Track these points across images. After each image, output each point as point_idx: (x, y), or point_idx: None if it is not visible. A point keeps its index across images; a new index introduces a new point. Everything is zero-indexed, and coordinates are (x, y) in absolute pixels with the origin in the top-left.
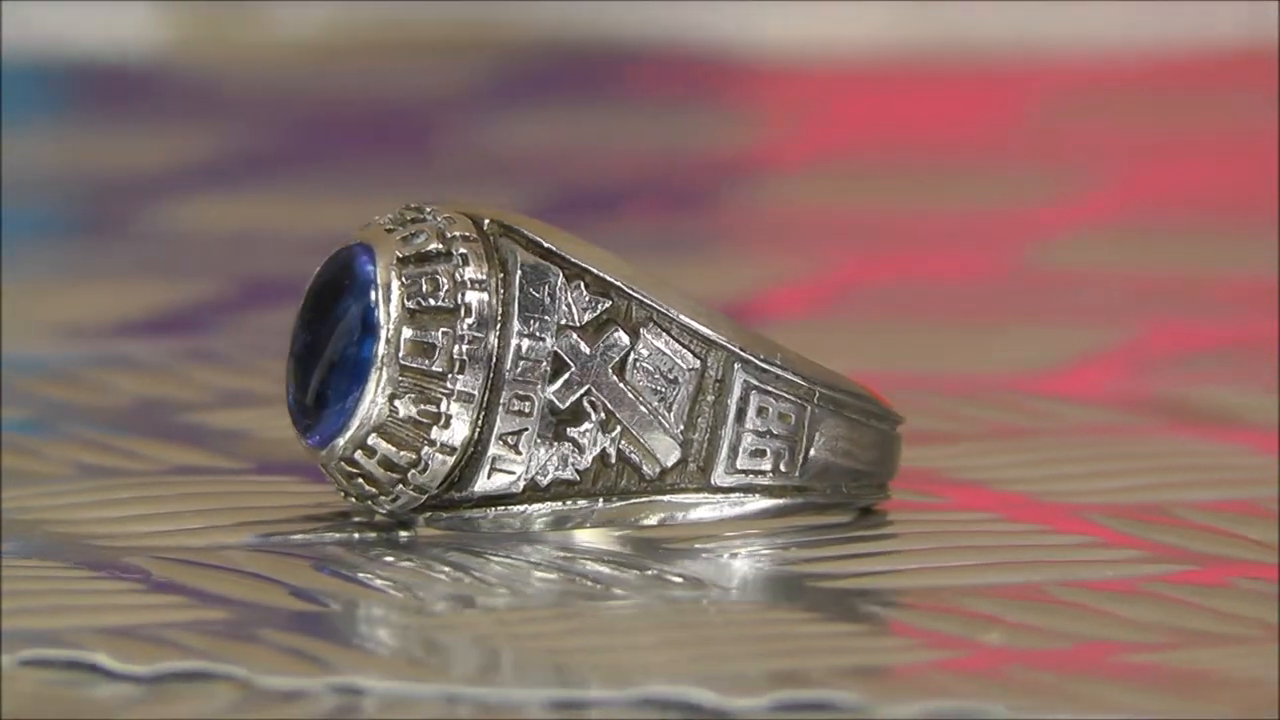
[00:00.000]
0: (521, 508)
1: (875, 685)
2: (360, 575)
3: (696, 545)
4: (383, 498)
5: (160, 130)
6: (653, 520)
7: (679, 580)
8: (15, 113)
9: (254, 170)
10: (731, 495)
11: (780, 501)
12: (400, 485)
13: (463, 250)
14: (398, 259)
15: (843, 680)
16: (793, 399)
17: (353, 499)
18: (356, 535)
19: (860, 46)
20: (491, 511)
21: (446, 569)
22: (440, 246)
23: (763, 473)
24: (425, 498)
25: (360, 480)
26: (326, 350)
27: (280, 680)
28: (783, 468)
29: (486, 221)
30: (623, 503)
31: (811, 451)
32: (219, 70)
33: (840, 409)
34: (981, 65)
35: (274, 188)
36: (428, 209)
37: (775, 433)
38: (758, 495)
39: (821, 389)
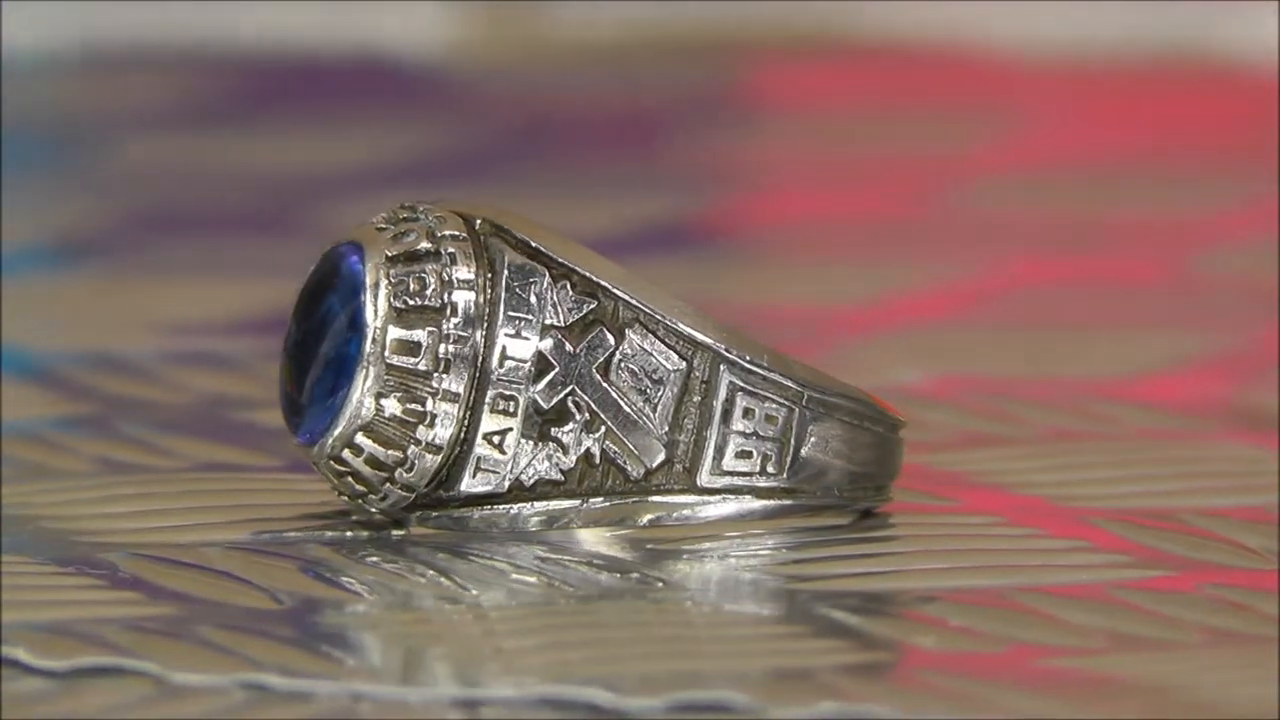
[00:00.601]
0: (507, 508)
1: (772, 688)
2: (331, 575)
3: (689, 547)
4: (373, 496)
5: (371, 127)
6: (641, 521)
7: (650, 583)
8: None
9: (453, 170)
10: (718, 497)
11: (769, 503)
12: (388, 484)
13: (451, 250)
14: (387, 258)
15: (741, 682)
16: (780, 401)
17: (345, 498)
18: (349, 534)
19: (1075, 47)
20: (478, 511)
21: (423, 569)
22: (429, 246)
23: (750, 474)
24: (414, 496)
25: (350, 479)
26: (316, 348)
27: (191, 677)
28: (770, 469)
29: (479, 221)
30: (609, 503)
31: (802, 454)
32: (487, 68)
33: (832, 412)
34: (1196, 70)
35: (463, 187)
36: (421, 208)
37: (762, 434)
38: (746, 497)
39: (811, 392)
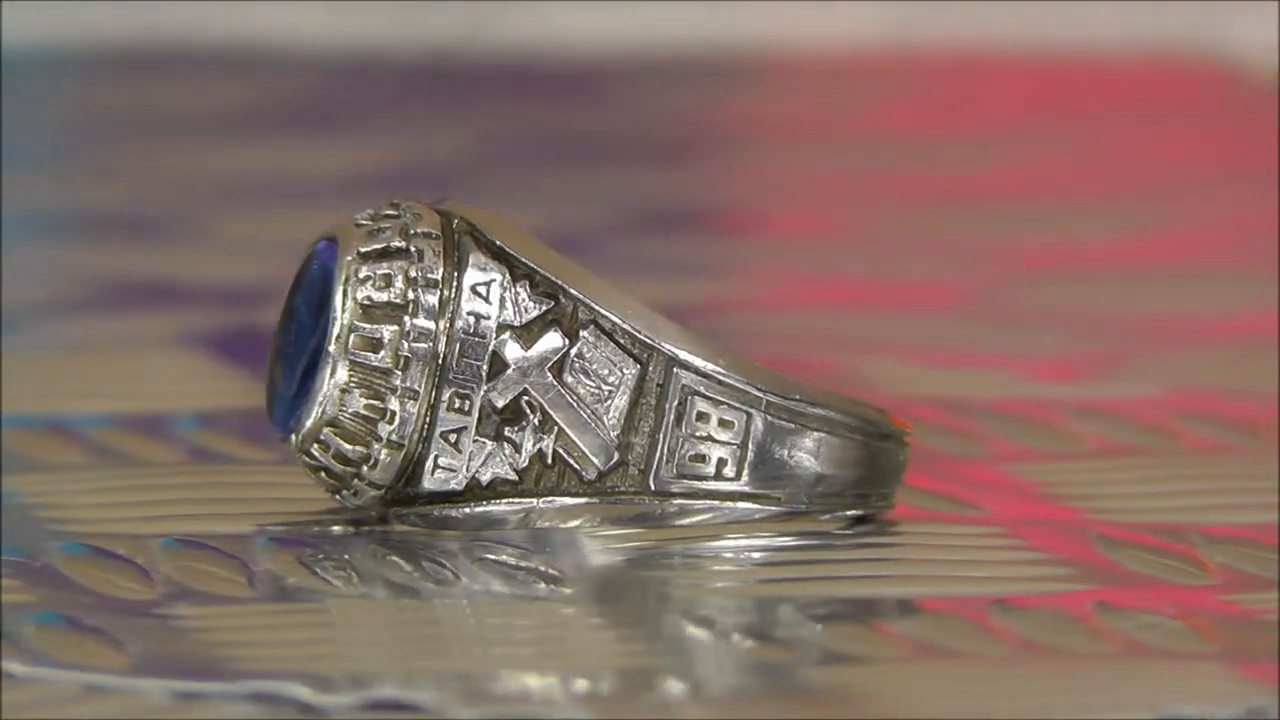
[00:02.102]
0: (466, 507)
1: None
2: (248, 569)
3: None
4: (346, 491)
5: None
6: (597, 522)
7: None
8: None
9: None
10: (672, 499)
11: (727, 505)
12: (356, 480)
13: (420, 247)
14: (358, 254)
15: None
16: (736, 405)
17: (328, 492)
18: (337, 529)
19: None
20: (437, 510)
21: (338, 568)
22: (401, 243)
23: (704, 478)
24: (382, 493)
25: (323, 474)
26: (292, 341)
27: None
28: (727, 474)
29: (456, 220)
30: (565, 504)
31: (763, 459)
32: None
33: (799, 419)
34: None
35: None
36: (404, 205)
37: (717, 438)
38: (700, 500)
39: (773, 398)
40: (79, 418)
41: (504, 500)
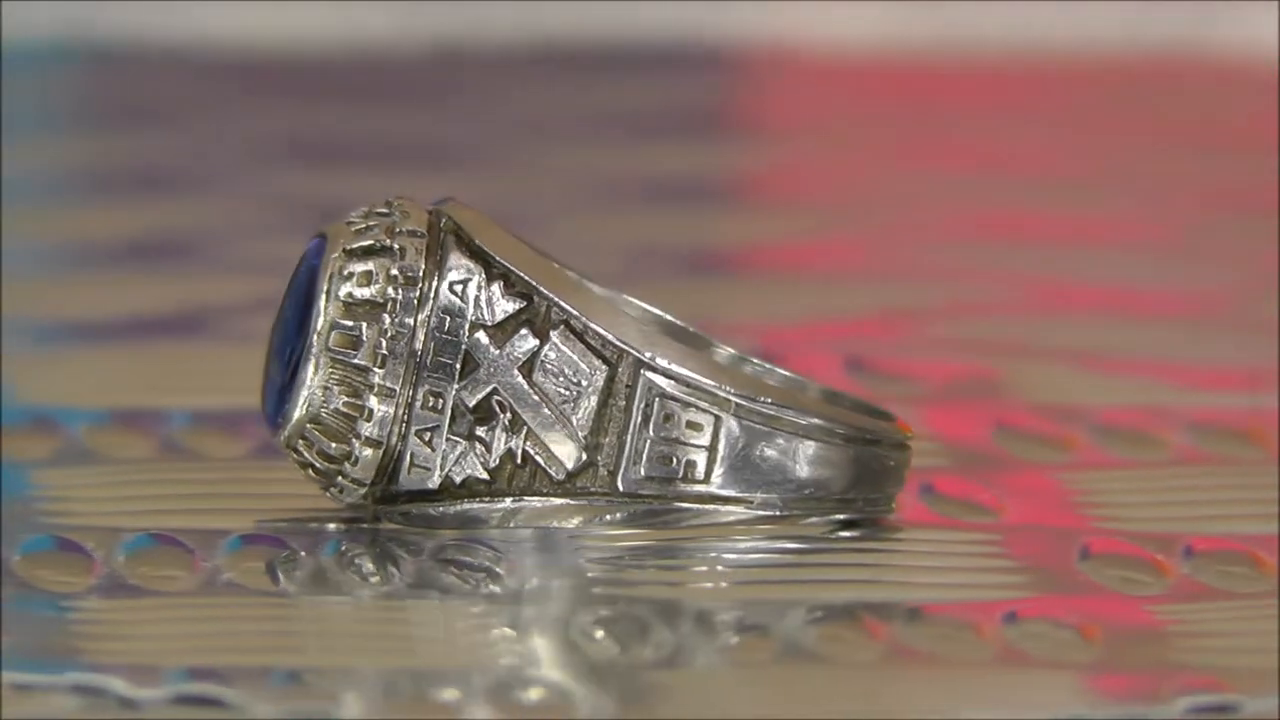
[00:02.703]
0: (444, 505)
1: (279, 687)
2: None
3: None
4: (334, 489)
5: None
6: (571, 523)
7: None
8: None
9: None
10: (639, 501)
11: (694, 507)
12: (340, 477)
13: (402, 246)
14: (343, 251)
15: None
16: (704, 407)
17: (320, 489)
18: (332, 526)
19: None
20: (416, 509)
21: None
22: (385, 242)
23: (671, 480)
24: (366, 490)
25: (311, 471)
26: (282, 337)
27: None
28: (695, 475)
29: (445, 219)
30: (537, 503)
31: (732, 461)
32: None
33: (769, 421)
34: None
35: None
36: (396, 204)
37: (684, 440)
38: (667, 502)
39: (741, 400)
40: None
41: (478, 500)
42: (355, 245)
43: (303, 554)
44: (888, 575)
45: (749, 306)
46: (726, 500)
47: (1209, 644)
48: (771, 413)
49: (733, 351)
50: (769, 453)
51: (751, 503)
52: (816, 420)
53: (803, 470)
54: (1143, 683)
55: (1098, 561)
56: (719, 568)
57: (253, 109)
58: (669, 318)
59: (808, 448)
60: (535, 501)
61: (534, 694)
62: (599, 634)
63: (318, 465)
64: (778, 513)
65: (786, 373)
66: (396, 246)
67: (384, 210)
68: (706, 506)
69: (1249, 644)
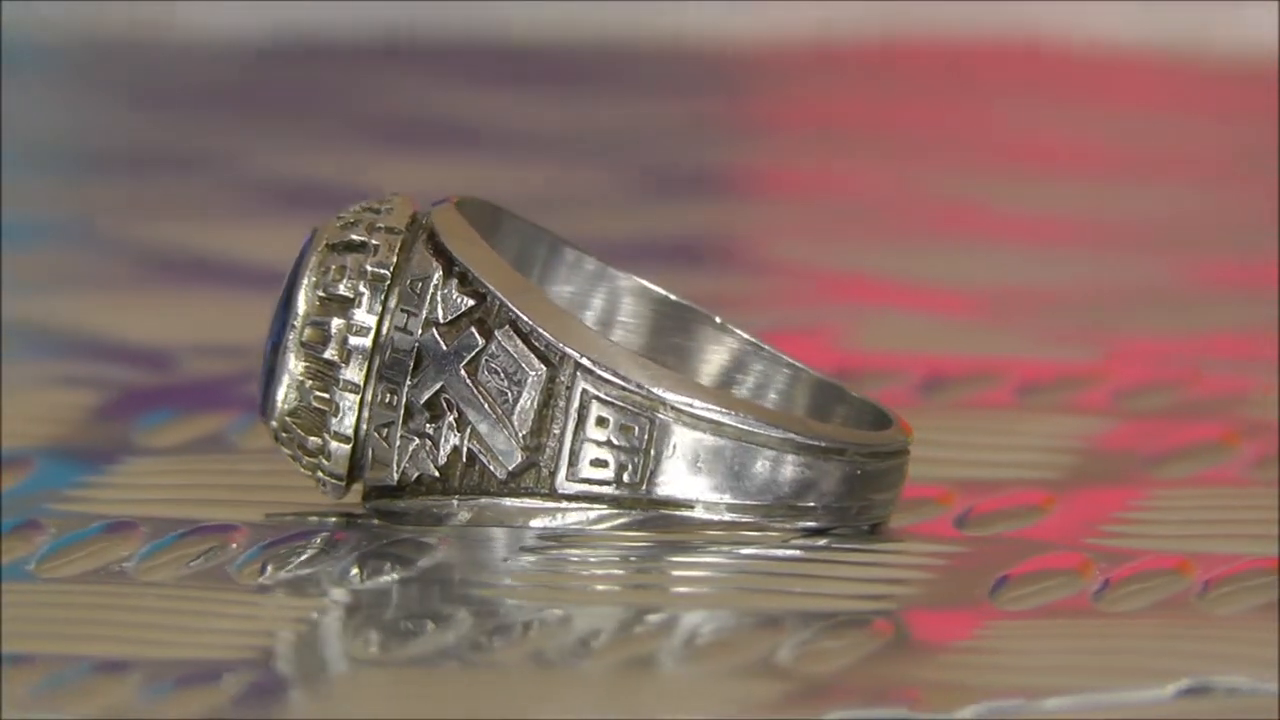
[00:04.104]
0: (404, 502)
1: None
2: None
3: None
4: (319, 483)
5: None
6: (517, 523)
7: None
8: None
9: None
10: (576, 504)
11: (632, 514)
12: (319, 471)
13: (376, 242)
14: (325, 246)
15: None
16: (635, 411)
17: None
18: (333, 519)
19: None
20: (384, 505)
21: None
22: (364, 237)
23: (605, 483)
24: (343, 485)
25: (298, 465)
26: (272, 331)
27: None
28: (626, 479)
29: (425, 217)
30: (485, 502)
31: (666, 466)
32: None
33: (708, 427)
34: None
35: None
36: (388, 199)
37: (616, 443)
38: (604, 506)
39: (677, 403)
40: None
41: (433, 496)
42: (337, 240)
43: (233, 546)
44: (782, 586)
45: None
46: (662, 504)
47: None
48: (711, 418)
49: (745, 337)
50: (708, 458)
51: (690, 506)
52: (759, 427)
53: (748, 477)
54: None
55: (1018, 588)
56: (598, 572)
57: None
58: (671, 296)
59: (753, 454)
60: (484, 501)
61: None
62: (373, 634)
63: (301, 459)
64: (721, 518)
65: (793, 364)
66: (373, 243)
67: (374, 206)
68: (646, 512)
69: None
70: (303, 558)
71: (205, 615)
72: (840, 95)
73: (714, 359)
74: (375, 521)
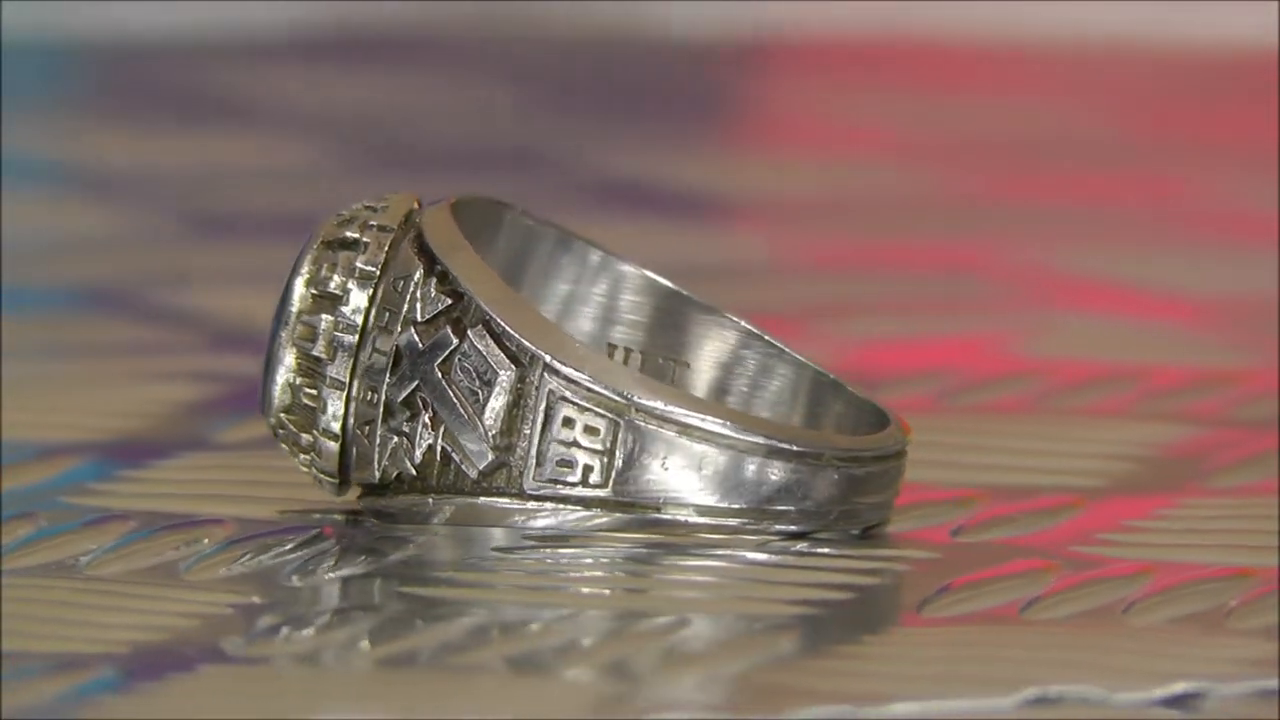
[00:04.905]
0: (385, 499)
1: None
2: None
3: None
4: (317, 481)
5: None
6: (494, 522)
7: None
8: None
9: None
10: (544, 504)
11: (598, 514)
12: (313, 468)
13: (367, 240)
14: (321, 244)
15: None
16: (601, 412)
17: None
18: (338, 516)
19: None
20: (367, 503)
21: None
22: (357, 235)
23: (570, 484)
24: (336, 481)
25: (297, 462)
26: (271, 327)
27: None
28: (593, 480)
29: (418, 216)
30: (461, 501)
31: (628, 467)
32: None
33: (672, 429)
34: None
35: None
36: (388, 197)
37: (583, 444)
38: (570, 506)
39: (642, 405)
40: None
41: (413, 496)
42: (333, 238)
43: (204, 542)
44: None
45: None
46: (626, 506)
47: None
48: (677, 418)
49: (747, 328)
50: (673, 461)
51: (656, 509)
52: (729, 429)
53: (716, 480)
54: None
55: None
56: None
57: None
58: (673, 286)
59: (720, 457)
60: (459, 500)
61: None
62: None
63: (297, 455)
64: (688, 520)
65: (796, 357)
66: (364, 241)
67: (373, 204)
68: (613, 515)
69: None
70: (262, 555)
71: (99, 609)
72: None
73: (715, 349)
74: (373, 520)
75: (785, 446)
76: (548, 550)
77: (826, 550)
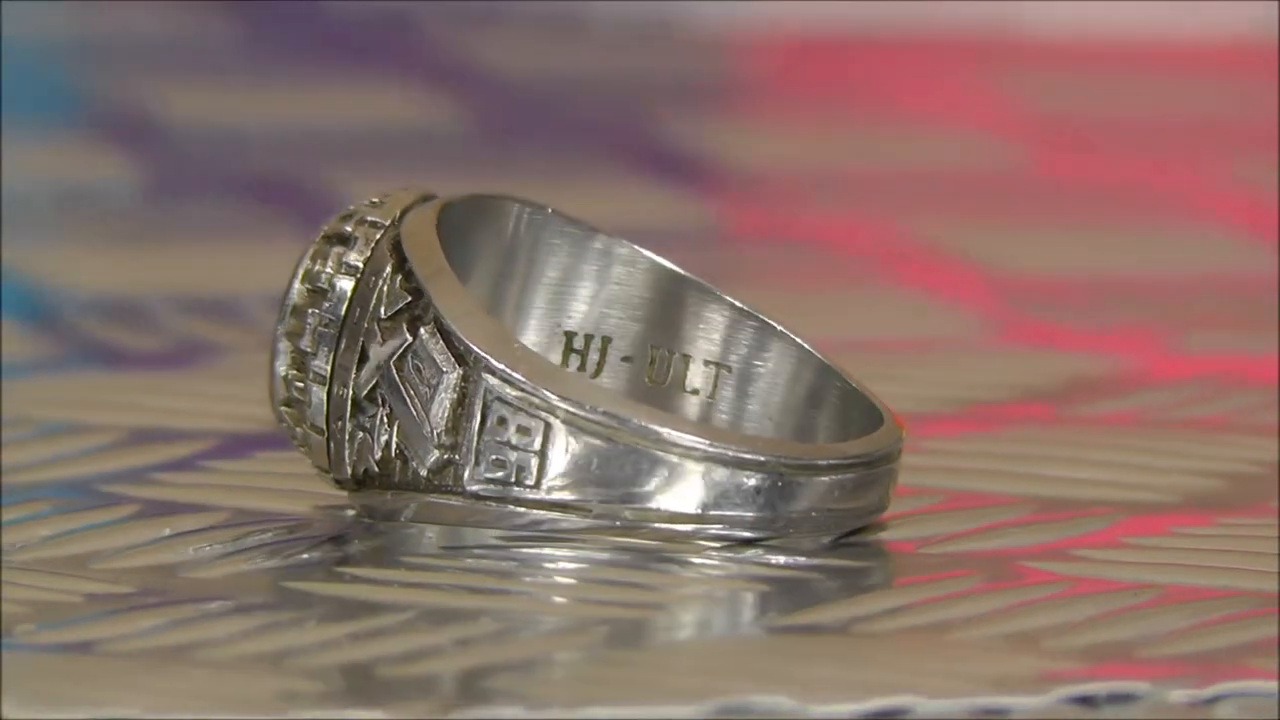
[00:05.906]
0: (358, 496)
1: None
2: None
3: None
4: (319, 473)
5: None
6: (449, 519)
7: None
8: None
9: None
10: (482, 504)
11: (534, 513)
12: (311, 462)
13: (357, 235)
14: (321, 237)
15: None
16: (529, 413)
17: None
18: (350, 513)
19: None
20: (354, 499)
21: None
22: (350, 230)
23: (505, 484)
24: (329, 474)
25: (301, 455)
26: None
27: None
28: (527, 480)
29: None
30: (417, 498)
31: (559, 468)
32: None
33: (603, 432)
34: None
35: None
36: (391, 193)
37: (515, 444)
38: (508, 506)
39: (567, 408)
40: None
41: (377, 492)
42: (331, 232)
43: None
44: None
45: None
46: (559, 506)
47: None
48: (604, 423)
49: (742, 308)
50: (601, 464)
51: (589, 511)
52: (662, 433)
53: (644, 483)
54: None
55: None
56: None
57: None
58: (671, 266)
59: (650, 461)
60: (414, 497)
61: None
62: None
63: (301, 450)
64: (624, 523)
65: (796, 341)
66: (355, 236)
67: (375, 200)
68: (549, 514)
69: None
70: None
71: None
72: None
73: (709, 330)
74: (367, 519)
75: (722, 452)
76: (474, 551)
77: (741, 558)
